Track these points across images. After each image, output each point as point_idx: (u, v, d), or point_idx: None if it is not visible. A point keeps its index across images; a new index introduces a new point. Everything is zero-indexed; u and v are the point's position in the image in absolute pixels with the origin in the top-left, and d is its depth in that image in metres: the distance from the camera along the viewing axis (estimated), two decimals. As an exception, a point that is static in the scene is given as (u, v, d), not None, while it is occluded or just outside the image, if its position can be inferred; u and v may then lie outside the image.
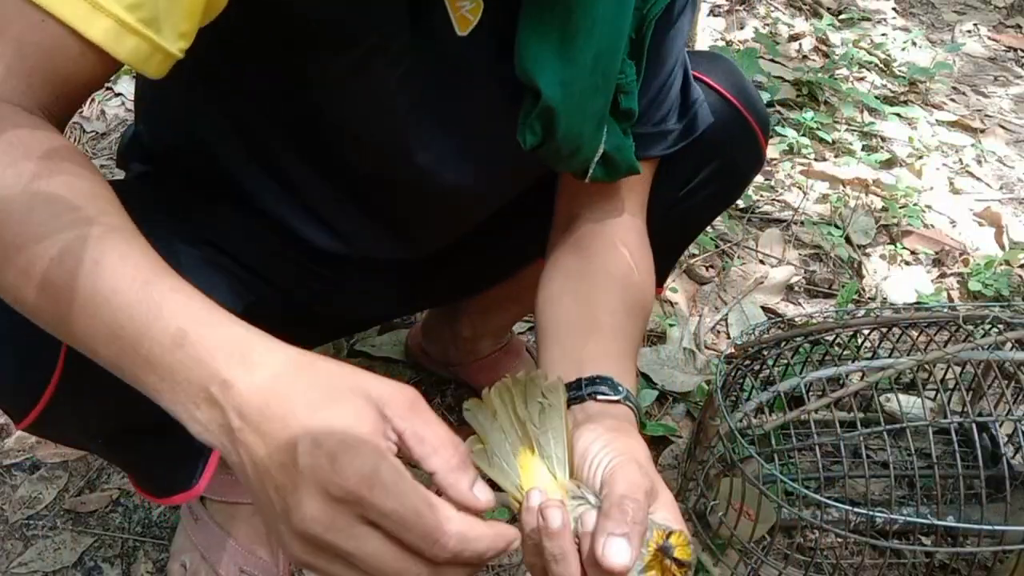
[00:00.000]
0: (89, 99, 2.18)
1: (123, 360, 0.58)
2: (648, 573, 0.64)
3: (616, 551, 0.61)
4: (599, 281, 0.90)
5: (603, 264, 0.91)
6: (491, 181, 0.98)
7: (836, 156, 2.25)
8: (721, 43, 2.66)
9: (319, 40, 0.78)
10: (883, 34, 2.91)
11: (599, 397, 0.77)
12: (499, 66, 0.82)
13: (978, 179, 2.26)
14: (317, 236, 0.98)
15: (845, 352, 1.36)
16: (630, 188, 0.96)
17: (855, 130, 2.36)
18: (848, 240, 1.97)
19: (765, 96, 2.33)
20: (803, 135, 2.26)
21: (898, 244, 1.97)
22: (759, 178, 2.13)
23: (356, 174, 0.93)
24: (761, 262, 1.91)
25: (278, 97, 0.86)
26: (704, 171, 1.05)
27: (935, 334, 1.30)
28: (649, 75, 0.90)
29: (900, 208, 2.05)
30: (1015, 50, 2.98)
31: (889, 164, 2.26)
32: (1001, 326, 1.24)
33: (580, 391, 0.78)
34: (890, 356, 1.28)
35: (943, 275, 1.92)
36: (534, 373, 0.72)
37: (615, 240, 0.93)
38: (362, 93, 0.83)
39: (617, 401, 0.78)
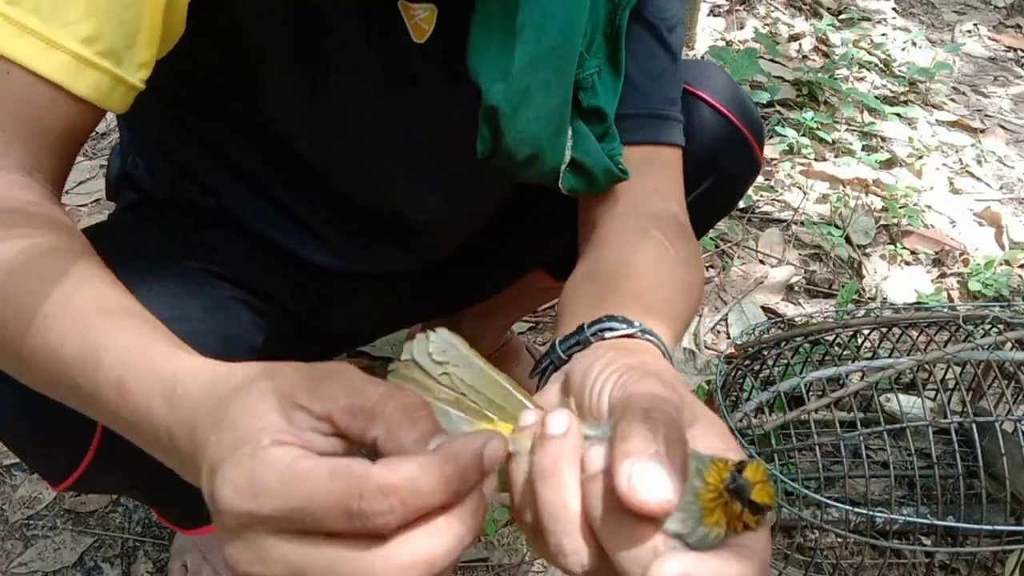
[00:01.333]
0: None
1: (98, 416, 0.55)
2: (707, 523, 0.43)
3: (648, 480, 0.41)
4: (622, 260, 0.76)
5: (630, 246, 0.78)
6: (472, 192, 0.96)
7: (836, 156, 2.25)
8: (721, 43, 2.66)
9: (271, 58, 0.77)
10: (883, 34, 2.91)
11: (606, 335, 0.60)
12: (462, 72, 0.79)
13: (978, 179, 2.26)
14: (312, 254, 0.98)
15: (845, 352, 1.36)
16: (652, 185, 0.85)
17: (855, 130, 2.36)
18: (848, 240, 1.97)
19: (765, 96, 2.33)
20: (803, 135, 2.26)
21: (898, 244, 1.97)
22: (759, 178, 2.13)
23: (341, 194, 0.92)
24: (761, 262, 1.91)
25: (248, 124, 0.85)
26: (703, 184, 1.04)
27: (935, 334, 1.30)
28: (647, 51, 0.85)
29: (900, 208, 2.05)
30: (1015, 50, 2.98)
31: (889, 164, 2.26)
32: (1001, 326, 1.24)
33: (581, 334, 0.61)
34: (890, 356, 1.28)
35: (943, 275, 1.92)
36: (409, 344, 0.54)
37: (643, 227, 0.80)
38: (323, 112, 0.82)
39: (631, 335, 0.60)
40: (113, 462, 0.82)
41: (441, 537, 0.41)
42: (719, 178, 1.05)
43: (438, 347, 0.53)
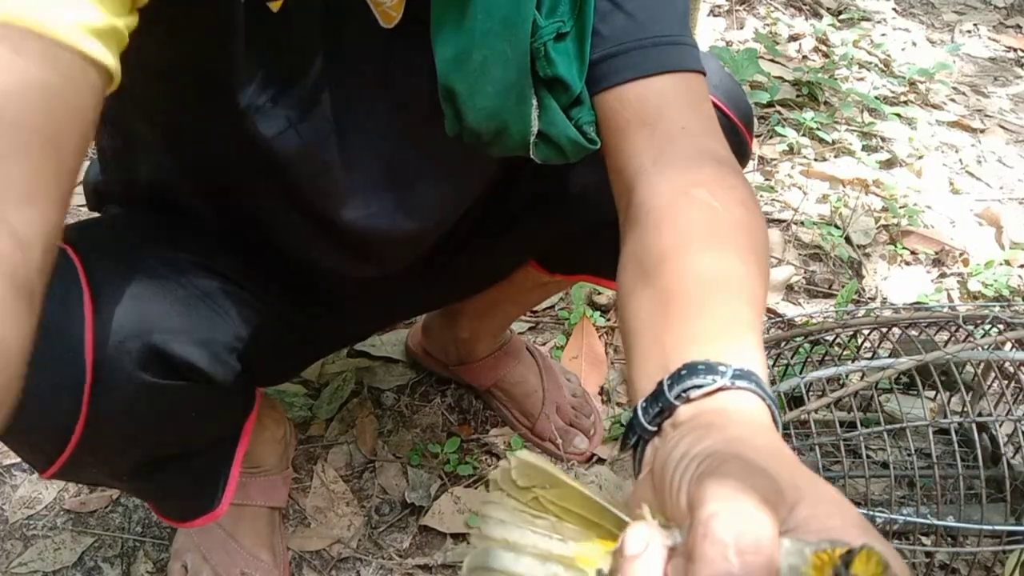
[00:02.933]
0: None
1: None
2: None
3: None
4: (667, 248, 0.65)
5: (670, 226, 0.67)
6: (446, 174, 0.94)
7: (836, 156, 2.25)
8: (721, 43, 2.66)
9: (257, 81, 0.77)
10: (883, 34, 2.91)
11: (692, 395, 0.53)
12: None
13: (978, 179, 2.26)
14: (292, 255, 0.98)
15: (845, 352, 1.36)
16: (677, 124, 0.75)
17: (855, 130, 2.35)
18: (848, 240, 1.97)
19: (765, 96, 2.33)
20: (803, 135, 2.26)
21: (898, 244, 1.97)
22: (759, 178, 2.13)
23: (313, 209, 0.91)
24: (761, 262, 1.91)
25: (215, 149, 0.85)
26: None
27: (935, 334, 1.30)
28: None
29: (900, 208, 2.05)
30: (1015, 50, 2.98)
31: (889, 164, 2.26)
32: (1001, 326, 1.24)
33: (663, 399, 0.54)
34: (890, 356, 1.28)
35: (943, 275, 1.92)
36: (494, 474, 0.51)
37: (683, 188, 0.69)
38: (304, 119, 0.82)
39: (716, 390, 0.52)
40: (100, 447, 0.82)
41: None
42: None
43: (520, 472, 0.50)
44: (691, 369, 0.53)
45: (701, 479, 0.42)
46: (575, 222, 1.08)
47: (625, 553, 0.41)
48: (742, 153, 1.07)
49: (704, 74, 0.79)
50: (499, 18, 0.74)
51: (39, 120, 0.48)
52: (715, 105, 0.98)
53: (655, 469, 0.48)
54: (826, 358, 1.36)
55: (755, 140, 2.23)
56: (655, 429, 0.54)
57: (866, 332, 1.36)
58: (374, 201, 0.91)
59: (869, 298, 1.82)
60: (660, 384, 0.54)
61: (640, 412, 0.55)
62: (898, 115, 2.45)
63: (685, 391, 0.53)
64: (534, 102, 0.78)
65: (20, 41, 0.48)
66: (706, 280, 0.61)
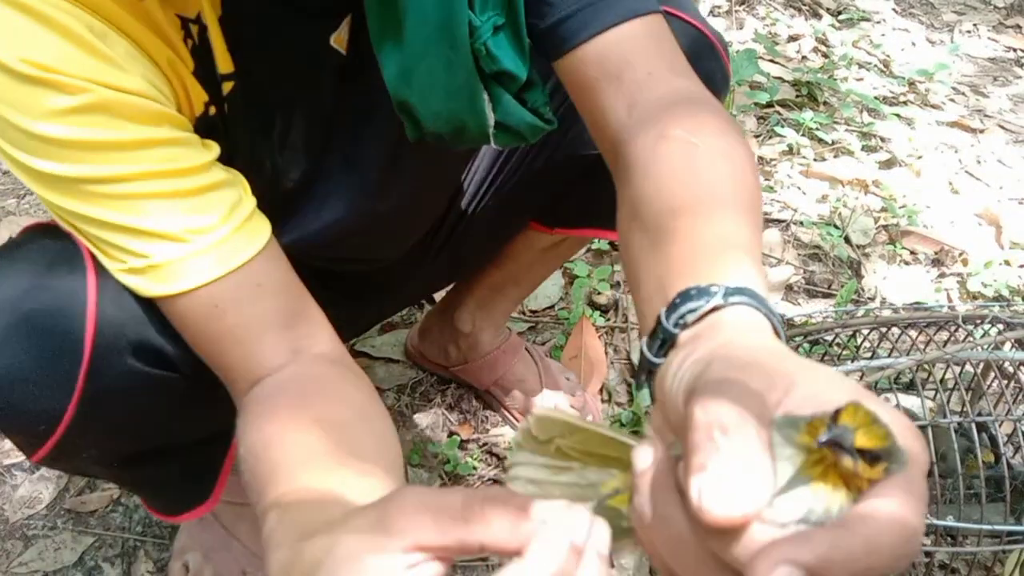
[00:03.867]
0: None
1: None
2: (823, 495, 0.38)
3: (715, 495, 0.37)
4: (655, 192, 0.67)
5: (656, 171, 0.68)
6: (425, 171, 0.99)
7: (835, 156, 2.25)
8: (721, 43, 2.66)
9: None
10: (882, 34, 2.91)
11: (688, 319, 0.53)
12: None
13: (978, 179, 2.27)
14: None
15: (844, 352, 1.36)
16: (644, 70, 0.75)
17: (854, 130, 2.36)
18: (847, 240, 1.97)
19: (764, 96, 2.33)
20: (802, 135, 2.26)
21: (897, 244, 1.97)
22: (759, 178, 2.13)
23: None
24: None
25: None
26: None
27: (934, 334, 1.30)
28: None
29: (899, 208, 2.06)
30: (1015, 50, 2.98)
31: (889, 164, 2.26)
32: (1000, 326, 1.24)
33: (664, 331, 0.54)
34: (889, 356, 1.28)
35: (942, 275, 1.92)
36: (516, 436, 0.55)
37: (660, 131, 0.70)
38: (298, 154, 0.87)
39: (711, 311, 0.53)
40: (91, 431, 0.82)
41: None
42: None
43: (540, 427, 0.52)
44: (684, 296, 0.54)
45: (689, 386, 0.45)
46: (572, 166, 1.11)
47: (635, 471, 0.44)
48: (723, 70, 1.04)
49: (660, 12, 0.78)
50: (435, 27, 0.77)
51: (286, 302, 0.79)
52: (693, 26, 0.98)
53: (656, 387, 0.51)
54: (825, 358, 1.36)
55: (755, 140, 2.24)
56: (661, 360, 0.54)
57: (865, 332, 1.36)
58: (339, 212, 0.96)
59: (868, 298, 1.83)
60: (658, 317, 0.55)
61: (645, 347, 0.56)
62: (897, 115, 2.45)
63: (682, 317, 0.53)
64: (486, 97, 0.82)
65: (261, 272, 0.75)
66: (694, 211, 0.62)
